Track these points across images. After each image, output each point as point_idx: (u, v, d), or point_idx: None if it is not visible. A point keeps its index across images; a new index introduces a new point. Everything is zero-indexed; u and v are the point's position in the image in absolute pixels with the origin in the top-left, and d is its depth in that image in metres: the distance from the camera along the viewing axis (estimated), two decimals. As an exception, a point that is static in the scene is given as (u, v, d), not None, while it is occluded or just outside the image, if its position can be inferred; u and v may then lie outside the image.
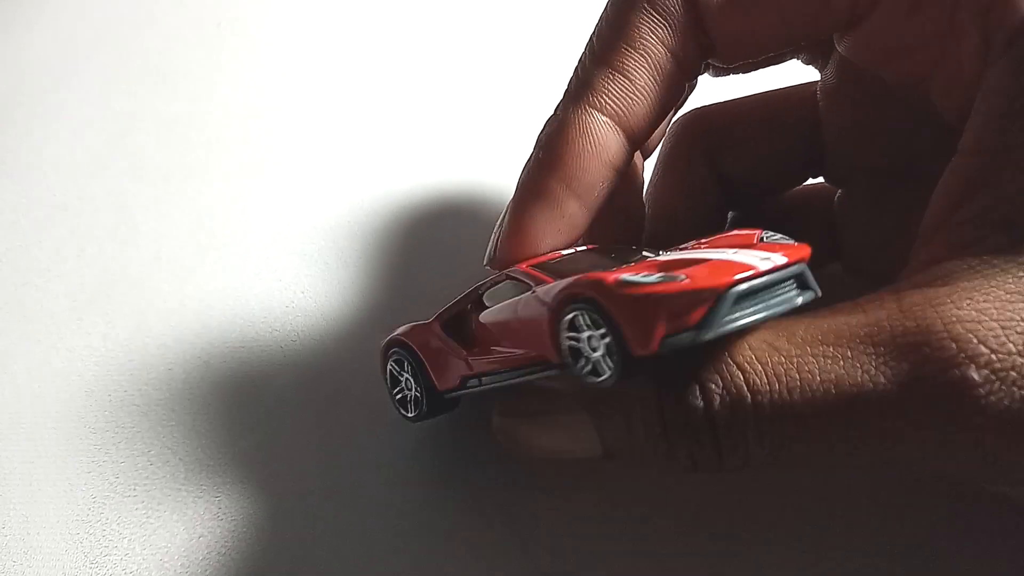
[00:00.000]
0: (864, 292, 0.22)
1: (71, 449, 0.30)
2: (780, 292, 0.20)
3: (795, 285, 0.21)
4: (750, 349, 0.21)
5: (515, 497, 0.28)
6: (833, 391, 0.20)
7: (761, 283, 0.20)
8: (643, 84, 0.23)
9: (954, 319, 0.20)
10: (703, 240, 0.24)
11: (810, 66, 0.29)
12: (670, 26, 0.23)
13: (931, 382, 0.19)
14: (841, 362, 0.20)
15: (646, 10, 0.23)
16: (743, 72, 0.28)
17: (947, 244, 0.22)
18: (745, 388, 0.20)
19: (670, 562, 0.26)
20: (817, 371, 0.20)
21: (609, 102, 0.23)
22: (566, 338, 0.21)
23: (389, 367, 0.27)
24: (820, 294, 0.21)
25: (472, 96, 0.42)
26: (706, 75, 0.27)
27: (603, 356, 0.20)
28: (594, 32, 0.24)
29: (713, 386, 0.21)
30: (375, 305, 0.34)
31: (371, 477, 0.29)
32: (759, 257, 0.20)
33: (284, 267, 0.35)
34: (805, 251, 0.21)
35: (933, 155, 0.24)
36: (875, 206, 0.28)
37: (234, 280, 0.35)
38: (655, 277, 0.19)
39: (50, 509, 0.29)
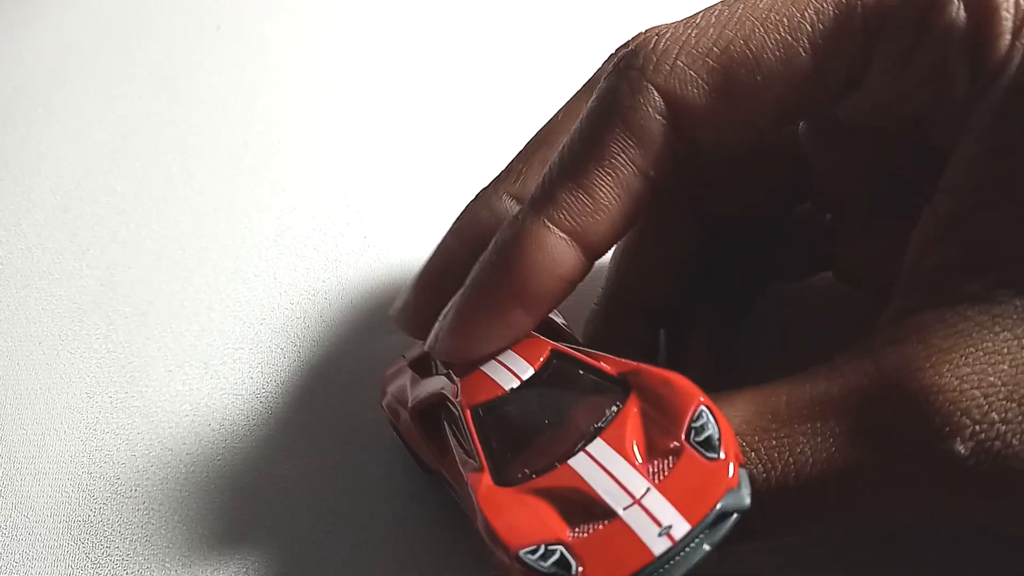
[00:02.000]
0: (855, 301, 0.21)
1: (72, 450, 0.31)
2: (686, 548, 0.19)
3: (707, 528, 0.19)
4: (738, 435, 0.20)
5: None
6: (828, 471, 0.20)
7: (654, 567, 0.19)
8: (607, 203, 0.23)
9: (935, 389, 0.19)
10: (652, 376, 0.22)
11: None
12: (643, 146, 0.22)
13: (918, 457, 0.19)
14: (831, 439, 0.20)
15: (619, 130, 0.22)
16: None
17: (922, 289, 0.21)
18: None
19: None
20: (809, 452, 0.20)
21: (569, 218, 0.23)
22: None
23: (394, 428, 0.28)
24: (747, 507, 0.19)
25: (478, 106, 0.42)
26: None
27: None
28: (566, 143, 0.24)
29: None
30: (376, 306, 0.34)
31: (372, 479, 0.29)
32: (660, 528, 0.19)
33: (284, 269, 0.35)
34: (722, 477, 0.19)
35: (925, 178, 0.23)
36: (868, 228, 0.27)
37: (234, 282, 0.35)
38: (551, 563, 0.19)
39: (51, 510, 0.29)
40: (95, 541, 0.28)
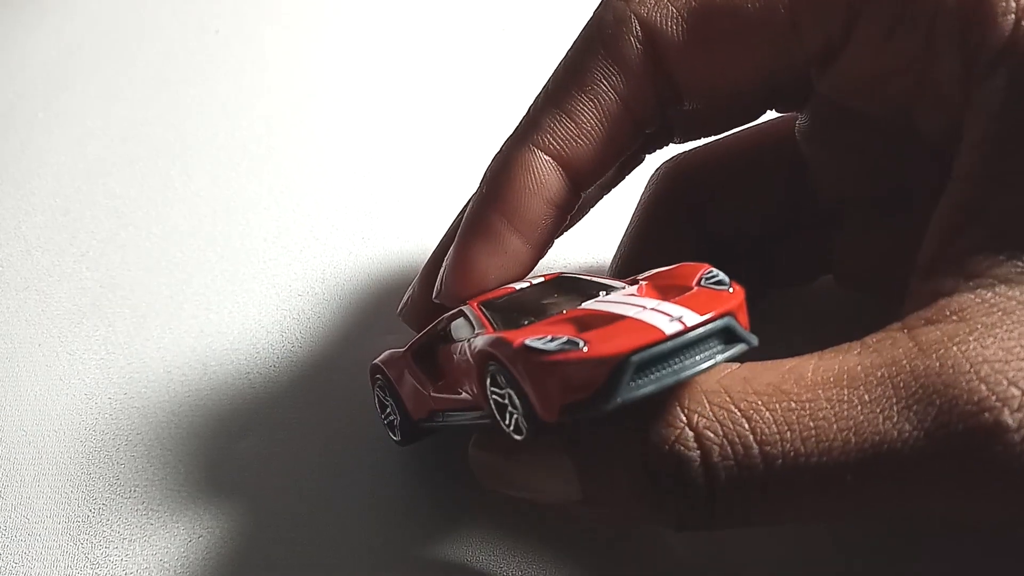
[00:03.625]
0: (858, 307, 0.21)
1: (72, 451, 0.31)
2: (698, 351, 0.19)
3: (719, 341, 0.19)
4: (754, 393, 0.19)
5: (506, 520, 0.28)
6: (853, 440, 0.18)
7: (667, 348, 0.18)
8: (589, 128, 0.23)
9: (981, 359, 0.18)
10: (660, 271, 0.23)
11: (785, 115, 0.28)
12: (624, 73, 0.23)
13: (961, 428, 0.18)
14: (859, 407, 0.19)
15: (602, 56, 0.23)
16: (714, 133, 0.27)
17: (953, 275, 0.20)
18: (751, 438, 0.19)
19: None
20: (833, 417, 0.18)
21: (553, 142, 0.23)
22: (491, 392, 0.20)
23: (376, 392, 0.28)
24: (756, 344, 0.19)
25: (476, 108, 0.42)
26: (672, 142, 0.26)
27: (521, 415, 0.19)
28: (552, 72, 0.24)
29: (712, 435, 0.19)
30: (374, 306, 0.34)
31: (368, 480, 0.29)
32: (671, 317, 0.19)
33: (281, 271, 0.36)
34: (732, 301, 0.20)
35: (923, 180, 0.24)
36: (868, 231, 0.27)
37: (232, 283, 0.35)
38: (557, 343, 0.18)
39: (51, 510, 0.29)
40: (95, 541, 0.28)
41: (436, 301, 0.25)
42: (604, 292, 0.22)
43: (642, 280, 0.22)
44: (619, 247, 0.29)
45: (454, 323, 0.24)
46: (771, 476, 0.19)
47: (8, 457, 0.31)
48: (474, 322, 0.22)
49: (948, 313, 0.20)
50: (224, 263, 0.36)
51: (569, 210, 0.24)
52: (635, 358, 0.18)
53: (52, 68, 0.45)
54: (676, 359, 0.18)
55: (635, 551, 0.27)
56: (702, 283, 0.20)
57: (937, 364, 0.19)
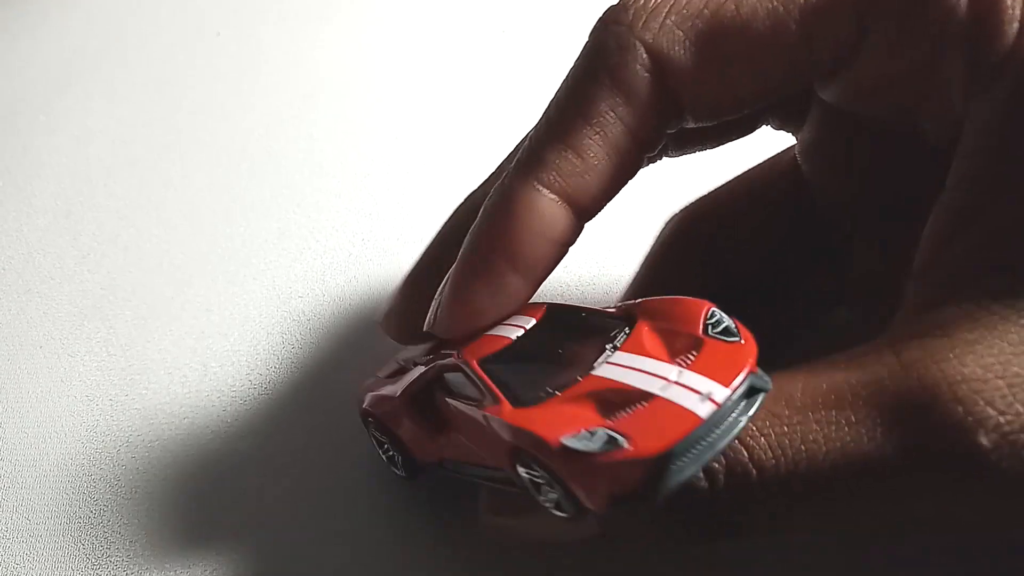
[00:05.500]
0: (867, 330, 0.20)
1: (73, 452, 0.31)
2: (727, 417, 0.19)
3: (743, 397, 0.19)
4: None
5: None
6: (840, 461, 0.19)
7: (703, 431, 0.18)
8: (596, 163, 0.22)
9: (959, 378, 0.18)
10: (653, 302, 0.22)
11: (782, 131, 0.28)
12: (632, 104, 0.22)
13: (939, 449, 0.18)
14: (846, 428, 0.19)
15: (607, 86, 0.22)
16: (708, 147, 0.26)
17: (940, 286, 0.21)
18: (750, 464, 0.19)
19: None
20: (822, 439, 0.19)
21: (559, 179, 0.22)
22: (524, 472, 0.20)
23: (372, 433, 0.27)
24: (771, 387, 0.19)
25: (476, 111, 0.42)
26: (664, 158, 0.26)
27: (562, 498, 0.19)
28: (552, 100, 0.23)
29: (716, 465, 0.20)
30: (374, 308, 0.34)
31: (370, 479, 0.29)
32: (700, 395, 0.18)
33: (282, 272, 0.36)
34: (749, 357, 0.19)
35: (929, 189, 0.23)
36: (875, 248, 0.27)
37: (232, 285, 0.35)
38: (599, 443, 0.18)
39: (52, 511, 0.29)
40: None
41: (426, 331, 0.24)
42: (609, 344, 0.21)
43: (639, 315, 0.22)
44: (629, 288, 0.29)
45: (451, 376, 0.23)
46: (768, 498, 0.19)
47: (9, 458, 0.31)
48: (480, 386, 0.21)
49: (932, 327, 0.20)
50: (225, 265, 0.36)
51: (572, 244, 0.23)
52: (678, 448, 0.18)
53: (53, 71, 0.45)
54: (711, 434, 0.18)
55: (635, 551, 0.27)
56: (708, 332, 0.20)
57: (916, 384, 0.19)
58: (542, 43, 0.44)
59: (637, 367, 0.20)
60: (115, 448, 0.31)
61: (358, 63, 0.44)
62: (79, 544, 0.29)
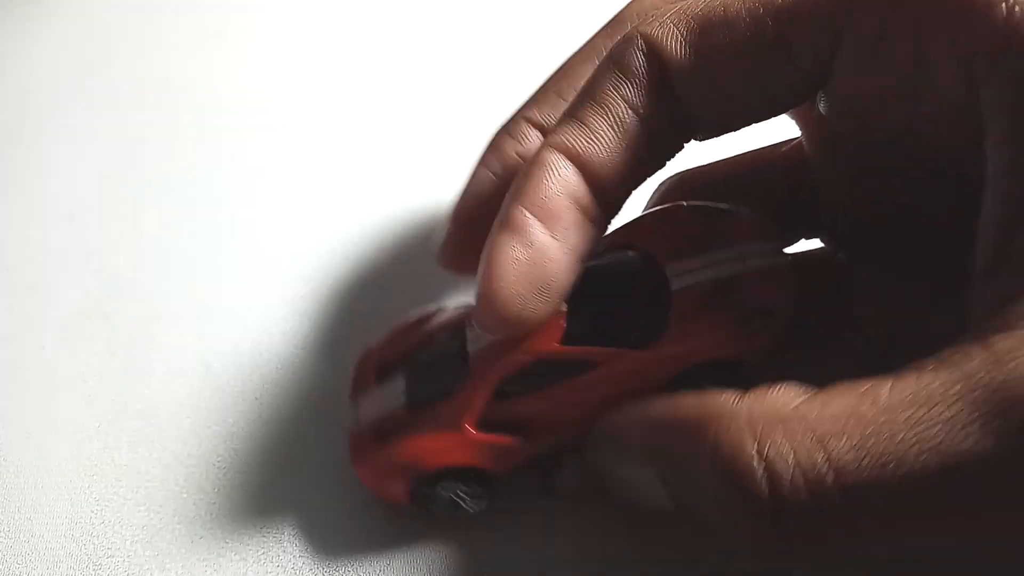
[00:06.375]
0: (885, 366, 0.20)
1: (74, 453, 0.31)
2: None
3: None
4: (831, 418, 0.19)
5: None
6: (934, 460, 0.18)
7: None
8: (602, 132, 0.23)
9: None
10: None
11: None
12: (633, 84, 0.23)
13: None
14: (939, 426, 0.18)
15: (610, 70, 0.23)
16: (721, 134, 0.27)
17: (1015, 275, 0.20)
18: (828, 467, 0.18)
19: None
20: (914, 439, 0.18)
21: (566, 141, 0.23)
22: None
23: (439, 494, 0.26)
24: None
25: (474, 109, 0.42)
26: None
27: None
28: (550, 80, 0.25)
29: (783, 464, 0.19)
30: (375, 308, 0.34)
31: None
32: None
33: (285, 271, 0.36)
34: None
35: (937, 199, 0.23)
36: (883, 265, 0.27)
37: (234, 285, 0.35)
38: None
39: (53, 512, 0.29)
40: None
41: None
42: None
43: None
44: None
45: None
46: (849, 503, 0.18)
47: (11, 459, 0.31)
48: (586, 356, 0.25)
49: (1018, 318, 0.19)
50: (227, 264, 0.36)
51: (593, 216, 0.24)
52: None
53: (57, 73, 0.46)
54: None
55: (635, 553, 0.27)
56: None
57: (1014, 377, 0.18)
58: (541, 45, 0.44)
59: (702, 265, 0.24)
60: (116, 448, 0.31)
61: (359, 62, 0.44)
62: (80, 543, 0.29)
